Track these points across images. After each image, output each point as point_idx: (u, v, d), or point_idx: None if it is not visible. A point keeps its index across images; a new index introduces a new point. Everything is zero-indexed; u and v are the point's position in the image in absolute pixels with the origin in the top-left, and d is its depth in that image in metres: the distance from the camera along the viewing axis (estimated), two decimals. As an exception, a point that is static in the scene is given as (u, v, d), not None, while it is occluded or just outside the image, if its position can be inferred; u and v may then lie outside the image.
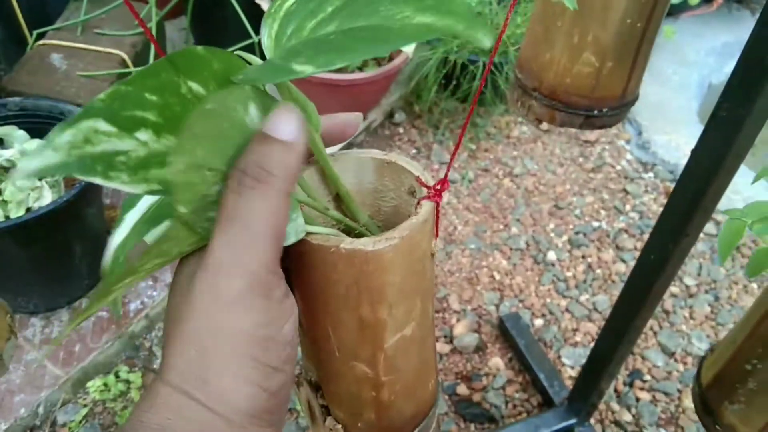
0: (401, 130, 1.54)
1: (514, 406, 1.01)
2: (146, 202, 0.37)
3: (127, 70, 1.24)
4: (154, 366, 1.07)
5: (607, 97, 0.65)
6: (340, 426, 0.47)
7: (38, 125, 1.09)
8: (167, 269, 1.17)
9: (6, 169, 0.99)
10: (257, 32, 1.38)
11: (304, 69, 0.32)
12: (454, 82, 1.48)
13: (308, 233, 0.37)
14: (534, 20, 0.67)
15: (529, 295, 1.17)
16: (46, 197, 0.95)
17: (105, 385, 1.03)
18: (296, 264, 0.40)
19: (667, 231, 0.70)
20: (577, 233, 1.29)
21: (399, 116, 1.56)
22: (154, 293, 1.14)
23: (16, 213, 0.93)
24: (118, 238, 0.36)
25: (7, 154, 0.99)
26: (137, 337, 1.10)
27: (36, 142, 1.04)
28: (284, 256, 0.35)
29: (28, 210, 0.94)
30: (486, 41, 0.32)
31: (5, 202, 0.94)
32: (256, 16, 1.39)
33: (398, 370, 0.47)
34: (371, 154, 0.41)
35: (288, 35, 0.36)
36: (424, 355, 0.46)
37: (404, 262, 0.37)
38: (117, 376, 1.04)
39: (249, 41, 1.37)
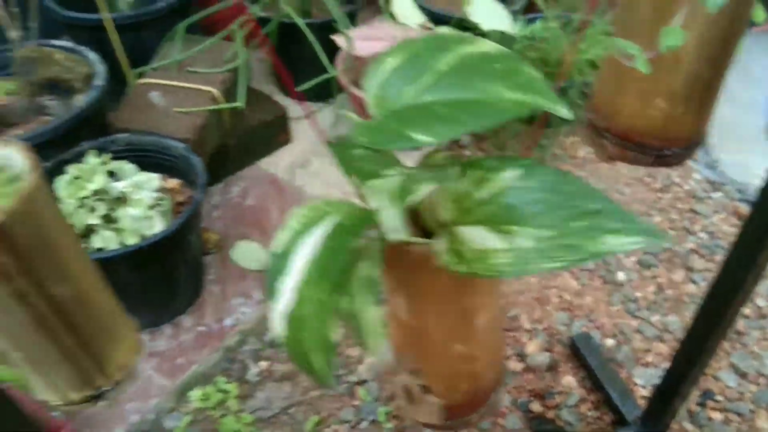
0: (467, 152, 1.60)
1: (587, 424, 1.05)
2: (300, 262, 0.43)
3: (218, 107, 1.36)
4: (247, 377, 1.16)
5: (677, 138, 0.70)
6: (440, 399, 0.56)
7: (144, 158, 1.21)
8: (256, 286, 1.27)
9: (120, 200, 1.11)
10: (333, 65, 1.47)
11: (423, 139, 0.39)
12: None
13: (415, 243, 0.44)
14: (605, 67, 0.73)
15: (599, 316, 1.20)
16: (157, 225, 1.06)
17: (205, 394, 1.13)
18: (404, 270, 0.48)
19: (740, 260, 0.73)
20: (646, 254, 1.32)
21: (465, 139, 1.62)
22: (247, 310, 1.24)
23: (131, 240, 1.05)
24: (282, 305, 0.43)
25: (120, 186, 1.11)
26: (232, 350, 1.20)
27: (143, 175, 1.16)
28: (395, 264, 0.43)
29: (142, 237, 1.05)
30: (565, 113, 0.39)
31: (121, 230, 1.05)
32: (333, 50, 1.49)
33: (486, 346, 0.57)
34: None
35: (389, 98, 0.43)
36: (501, 330, 0.57)
37: None
38: (216, 386, 1.14)
39: (326, 76, 1.46)
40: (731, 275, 0.76)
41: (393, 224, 0.32)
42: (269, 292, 0.44)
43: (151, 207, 1.07)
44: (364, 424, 1.09)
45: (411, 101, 0.42)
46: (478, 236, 0.40)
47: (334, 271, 0.40)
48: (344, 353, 1.20)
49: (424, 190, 0.37)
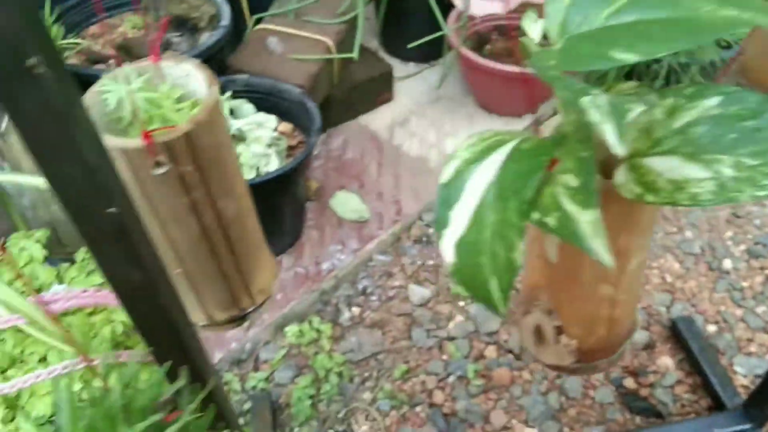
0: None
1: (683, 406, 1.03)
2: (477, 188, 0.43)
3: (331, 56, 1.38)
4: (340, 320, 1.20)
5: None
6: (573, 341, 0.56)
7: (260, 100, 1.24)
8: (353, 235, 1.30)
9: (236, 137, 1.15)
10: (446, 23, 1.47)
11: (626, 57, 0.38)
12: (635, 80, 1.49)
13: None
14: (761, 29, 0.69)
15: (701, 301, 1.17)
16: (273, 164, 1.10)
17: (300, 331, 1.17)
18: None
19: None
20: (756, 244, 1.26)
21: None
22: (342, 257, 1.27)
23: (248, 175, 1.09)
24: (455, 233, 0.43)
25: (238, 124, 1.15)
26: (327, 293, 1.24)
27: (261, 115, 1.19)
28: None
29: (257, 173, 1.09)
30: (788, 28, 0.37)
31: (239, 165, 1.09)
32: (444, 10, 1.48)
33: (630, 291, 0.57)
34: None
35: (577, 22, 0.42)
36: (642, 279, 0.56)
37: None
38: (310, 325, 1.18)
39: (437, 34, 1.45)
40: None
41: (615, 137, 0.32)
42: (439, 221, 0.44)
43: (269, 146, 1.11)
44: (451, 379, 1.10)
45: (603, 23, 0.41)
46: (671, 166, 0.39)
47: (522, 191, 0.40)
48: (434, 309, 1.21)
49: (634, 113, 0.37)
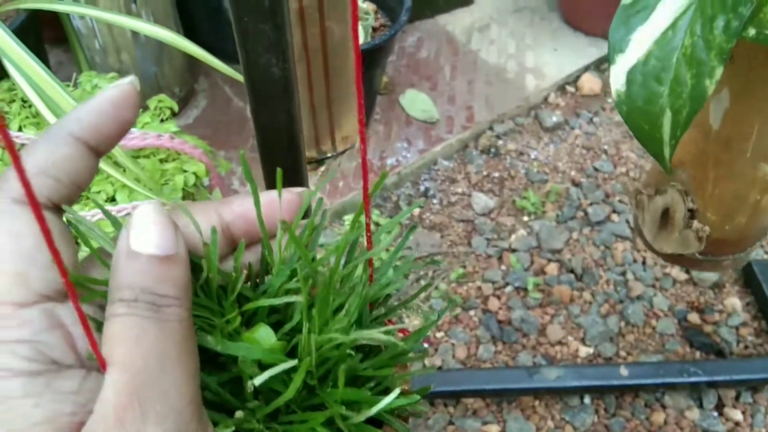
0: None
1: (746, 347, 1.00)
2: (668, 15, 0.39)
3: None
4: (399, 218, 1.17)
5: None
6: (707, 227, 0.51)
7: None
8: (419, 135, 1.25)
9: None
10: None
11: None
12: None
13: None
14: None
15: (779, 248, 1.12)
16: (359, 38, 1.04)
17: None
18: (752, 60, 0.43)
19: None
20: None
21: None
22: (407, 155, 1.23)
23: (330, 48, 1.03)
24: (632, 58, 0.40)
25: None
26: (388, 189, 1.20)
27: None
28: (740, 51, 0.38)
29: (340, 48, 1.04)
30: None
31: None
32: None
33: None
34: None
35: None
36: None
37: None
38: (370, 217, 1.15)
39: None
40: None
41: None
42: (615, 45, 0.41)
43: (357, 19, 1.05)
44: (509, 289, 1.08)
45: None
46: None
47: (737, 7, 0.35)
48: (497, 220, 1.17)
49: None
